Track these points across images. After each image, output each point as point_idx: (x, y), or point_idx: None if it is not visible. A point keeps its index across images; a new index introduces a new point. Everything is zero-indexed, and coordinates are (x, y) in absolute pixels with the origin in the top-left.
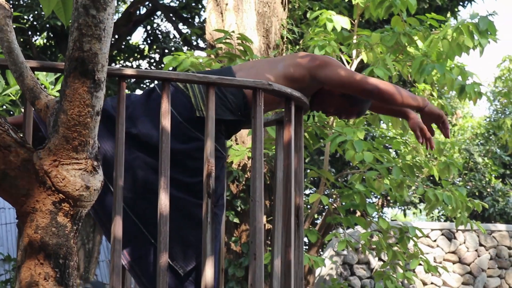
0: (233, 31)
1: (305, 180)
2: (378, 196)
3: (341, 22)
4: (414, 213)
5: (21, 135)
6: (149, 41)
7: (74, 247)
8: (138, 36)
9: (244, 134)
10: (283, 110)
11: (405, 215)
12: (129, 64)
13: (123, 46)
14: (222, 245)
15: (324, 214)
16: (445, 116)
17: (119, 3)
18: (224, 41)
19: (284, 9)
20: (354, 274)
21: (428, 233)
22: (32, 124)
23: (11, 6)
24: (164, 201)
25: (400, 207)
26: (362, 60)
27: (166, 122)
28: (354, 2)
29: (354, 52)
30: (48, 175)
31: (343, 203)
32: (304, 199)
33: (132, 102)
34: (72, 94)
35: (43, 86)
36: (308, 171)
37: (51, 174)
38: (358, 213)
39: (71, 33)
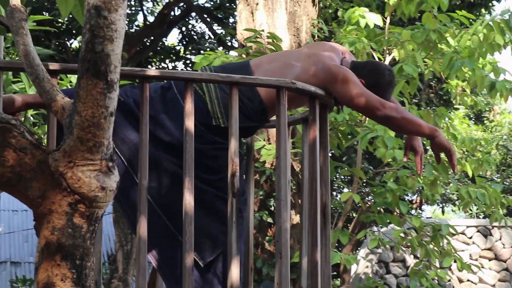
0: (262, 30)
1: (337, 178)
2: (416, 194)
3: (374, 19)
4: (453, 211)
5: (37, 137)
6: (184, 42)
7: (91, 248)
8: (173, 38)
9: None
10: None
11: (443, 212)
12: (165, 65)
13: (158, 48)
14: (250, 245)
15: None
16: (453, 151)
17: (154, 4)
18: (254, 40)
19: (315, 8)
20: (389, 272)
21: (464, 230)
22: (56, 125)
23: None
24: (188, 200)
25: (438, 205)
26: (394, 58)
27: (189, 122)
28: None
29: (386, 50)
30: (63, 176)
31: (376, 201)
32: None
33: (151, 98)
34: (85, 95)
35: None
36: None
37: (66, 175)
38: (398, 211)
39: (83, 34)
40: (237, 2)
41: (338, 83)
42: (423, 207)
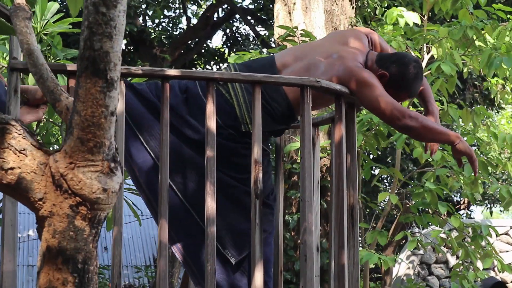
0: (296, 27)
1: (375, 179)
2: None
3: (412, 17)
4: (501, 211)
5: (38, 138)
6: (229, 44)
7: (94, 251)
8: (218, 40)
9: None
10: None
11: (491, 213)
12: (210, 67)
13: (203, 50)
14: (280, 246)
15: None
16: (474, 157)
17: (198, 7)
18: (287, 38)
19: (353, 7)
20: (432, 274)
21: (508, 231)
22: None
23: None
24: (210, 204)
25: (486, 205)
26: (433, 56)
27: (211, 123)
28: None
29: (424, 47)
30: (64, 178)
31: (415, 202)
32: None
33: (178, 97)
34: (85, 94)
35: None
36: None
37: (67, 177)
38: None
39: (82, 32)
40: (275, 3)
41: (358, 85)
42: (471, 207)
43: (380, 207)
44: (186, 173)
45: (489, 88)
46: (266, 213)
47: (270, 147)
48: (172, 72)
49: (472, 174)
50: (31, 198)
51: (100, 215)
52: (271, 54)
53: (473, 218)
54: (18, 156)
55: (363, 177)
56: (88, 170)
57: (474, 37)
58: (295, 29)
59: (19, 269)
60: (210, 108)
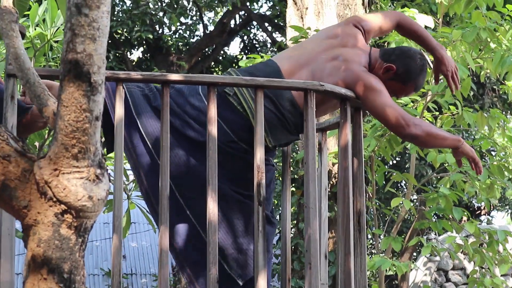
0: (309, 28)
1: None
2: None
3: (425, 20)
4: None
5: (22, 144)
6: (246, 51)
7: (80, 261)
8: (236, 47)
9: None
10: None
11: None
12: None
13: (220, 58)
14: (287, 255)
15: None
16: (477, 159)
17: (216, 14)
18: (299, 40)
19: (366, 11)
20: (449, 280)
21: None
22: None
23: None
24: (212, 210)
25: (506, 210)
26: None
27: (212, 128)
28: (438, 0)
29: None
30: (48, 185)
31: (429, 207)
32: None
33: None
34: (68, 98)
35: None
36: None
37: (51, 184)
38: (465, 218)
39: (64, 34)
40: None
41: (364, 90)
42: (492, 213)
43: (395, 213)
44: (194, 185)
45: (506, 91)
46: (271, 232)
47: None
48: (173, 76)
49: (488, 179)
50: (16, 206)
51: (86, 223)
52: (271, 59)
53: (493, 224)
54: (2, 162)
55: (377, 182)
56: (73, 177)
57: (488, 39)
58: (308, 31)
59: (18, 278)
60: (212, 113)
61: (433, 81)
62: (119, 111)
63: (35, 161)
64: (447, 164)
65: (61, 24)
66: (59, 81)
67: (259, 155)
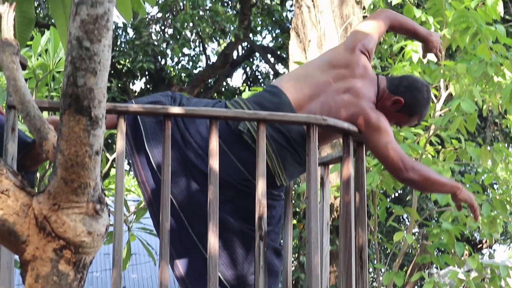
0: None
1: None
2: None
3: (428, 54)
4: None
5: (21, 178)
6: (249, 82)
7: None
8: (239, 79)
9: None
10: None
11: None
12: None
13: (223, 89)
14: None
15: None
16: (476, 206)
17: (218, 45)
18: None
19: None
20: None
21: None
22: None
23: None
24: (213, 244)
25: (508, 244)
26: (450, 93)
27: (214, 162)
28: (441, 34)
29: (441, 84)
30: (47, 220)
31: (432, 242)
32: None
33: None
34: (68, 133)
35: None
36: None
37: (50, 219)
38: (467, 253)
39: (65, 67)
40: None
41: (370, 128)
42: (494, 247)
43: (397, 248)
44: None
45: (509, 125)
46: (280, 265)
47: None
48: (175, 110)
49: (491, 213)
50: (14, 241)
51: (85, 259)
52: (276, 86)
53: (494, 258)
54: (1, 197)
55: (379, 216)
56: (72, 212)
57: (493, 74)
58: None
59: None
60: (213, 147)
61: (436, 114)
62: (120, 144)
63: (34, 196)
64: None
65: (64, 55)
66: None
67: (261, 189)
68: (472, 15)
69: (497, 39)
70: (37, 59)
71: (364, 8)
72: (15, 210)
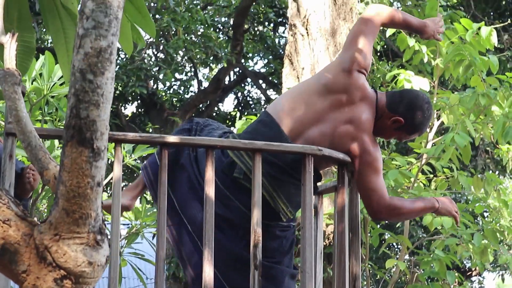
0: None
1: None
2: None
3: (420, 83)
4: None
5: (23, 208)
6: (240, 108)
7: None
8: (230, 104)
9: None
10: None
11: (503, 280)
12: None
13: (214, 114)
14: None
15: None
16: (455, 214)
17: (210, 70)
18: None
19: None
20: None
21: None
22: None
23: None
24: (208, 273)
25: (498, 272)
26: (443, 122)
27: (210, 190)
28: (434, 63)
29: (434, 114)
30: (48, 250)
31: (423, 270)
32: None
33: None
34: (70, 164)
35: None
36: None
37: (51, 249)
38: (457, 280)
39: (68, 99)
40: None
41: (364, 165)
42: (484, 274)
43: (388, 275)
44: (227, 260)
45: (501, 155)
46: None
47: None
48: (171, 139)
49: (483, 242)
50: (14, 270)
51: None
52: (268, 113)
53: (484, 286)
54: (2, 226)
55: (372, 243)
56: (73, 242)
57: (486, 104)
58: None
59: None
60: (209, 175)
61: (429, 144)
62: (117, 171)
63: (36, 226)
64: (440, 227)
65: (58, 79)
66: (58, 141)
67: (256, 218)
68: (467, 49)
69: (490, 70)
70: (32, 84)
71: None
72: (16, 239)
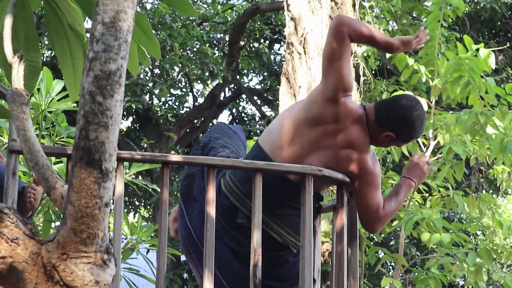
0: None
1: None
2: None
3: None
4: None
5: (31, 227)
6: (234, 124)
7: None
8: (224, 119)
9: None
10: None
11: None
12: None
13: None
14: None
15: None
16: (424, 178)
17: (205, 86)
18: None
19: (358, 91)
20: None
21: None
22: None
23: None
24: None
25: None
26: (439, 142)
27: (211, 209)
28: (432, 83)
29: (430, 133)
30: (56, 269)
31: None
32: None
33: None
34: (79, 184)
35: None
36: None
37: (59, 268)
38: None
39: (77, 121)
40: (280, 85)
41: (364, 183)
42: None
43: None
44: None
45: (495, 175)
46: None
47: None
48: (174, 158)
49: (477, 261)
50: None
51: None
52: (261, 148)
53: None
54: (10, 245)
55: (367, 261)
56: (80, 261)
57: (484, 123)
58: None
59: None
60: (210, 195)
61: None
62: (119, 188)
63: (43, 244)
64: (435, 246)
65: (56, 95)
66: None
67: (256, 238)
68: (467, 64)
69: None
70: (29, 99)
71: (355, 56)
72: (24, 258)
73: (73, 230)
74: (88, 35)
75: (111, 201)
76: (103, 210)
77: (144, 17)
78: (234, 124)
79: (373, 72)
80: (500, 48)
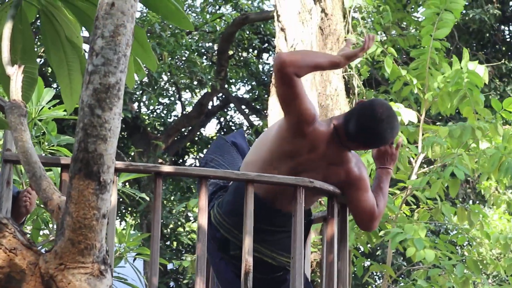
0: None
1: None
2: None
3: (408, 115)
4: None
5: (29, 238)
6: (222, 133)
7: None
8: (212, 128)
9: None
10: None
11: None
12: (202, 155)
13: (196, 138)
14: None
15: None
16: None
17: (193, 95)
18: None
19: (348, 101)
20: None
21: None
22: None
23: None
24: None
25: None
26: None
27: (202, 219)
28: (423, 96)
29: (419, 147)
30: (53, 279)
31: None
32: None
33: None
34: (77, 196)
35: None
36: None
37: (56, 278)
38: None
39: (76, 133)
40: (270, 95)
41: (357, 190)
42: None
43: None
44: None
45: (483, 190)
46: None
47: None
48: (166, 168)
49: (465, 273)
50: None
51: None
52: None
53: None
54: (8, 255)
55: (354, 272)
56: (78, 272)
57: (478, 137)
58: None
59: None
60: (202, 204)
61: (413, 176)
62: (113, 199)
63: (41, 255)
64: (423, 258)
65: (46, 103)
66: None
67: (247, 246)
68: (467, 78)
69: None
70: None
71: (349, 65)
72: (22, 268)
73: (71, 241)
74: (85, 46)
75: (108, 213)
76: (100, 221)
77: (142, 30)
78: (222, 133)
79: (362, 82)
80: (496, 64)
